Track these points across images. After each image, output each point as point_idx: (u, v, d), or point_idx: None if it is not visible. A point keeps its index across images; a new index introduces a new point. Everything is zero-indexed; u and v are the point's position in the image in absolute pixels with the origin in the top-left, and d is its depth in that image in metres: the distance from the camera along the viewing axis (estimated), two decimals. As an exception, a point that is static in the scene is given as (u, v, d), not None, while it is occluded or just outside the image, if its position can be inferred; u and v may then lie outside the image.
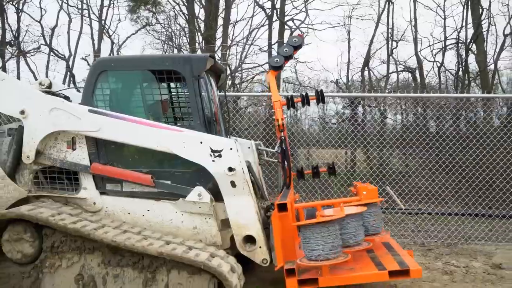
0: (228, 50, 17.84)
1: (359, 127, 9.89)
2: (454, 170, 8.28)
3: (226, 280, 4.07)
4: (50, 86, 5.02)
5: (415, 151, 8.72)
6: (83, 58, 22.68)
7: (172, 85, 5.00)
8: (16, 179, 4.78)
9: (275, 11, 19.31)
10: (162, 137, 4.55)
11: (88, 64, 22.56)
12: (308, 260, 4.21)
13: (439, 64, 20.90)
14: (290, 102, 5.47)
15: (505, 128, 7.94)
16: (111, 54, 22.49)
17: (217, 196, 4.58)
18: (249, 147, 5.62)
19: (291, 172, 5.30)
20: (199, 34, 18.62)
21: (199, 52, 17.18)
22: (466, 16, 19.43)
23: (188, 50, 18.38)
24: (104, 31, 21.93)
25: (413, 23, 20.69)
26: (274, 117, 5.22)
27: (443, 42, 20.82)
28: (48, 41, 21.48)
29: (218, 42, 17.61)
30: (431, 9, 22.62)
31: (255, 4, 19.92)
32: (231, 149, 4.49)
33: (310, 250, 4.18)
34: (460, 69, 20.34)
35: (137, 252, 4.17)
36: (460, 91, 18.38)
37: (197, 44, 18.15)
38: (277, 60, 5.33)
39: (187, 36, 19.59)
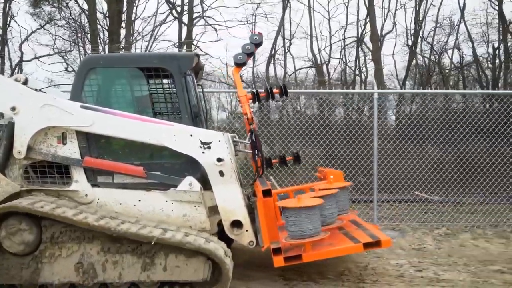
0: (132, 47, 17.84)
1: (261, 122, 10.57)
2: (337, 158, 9.22)
3: (222, 261, 4.46)
4: (26, 82, 5.09)
5: (311, 144, 9.49)
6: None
7: (159, 81, 5.24)
8: (5, 174, 4.85)
9: (174, 8, 19.84)
10: (154, 131, 4.82)
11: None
12: (292, 239, 4.73)
13: (340, 61, 23.25)
14: (256, 97, 5.89)
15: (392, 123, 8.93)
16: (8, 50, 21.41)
17: (204, 185, 4.93)
18: None
19: (264, 162, 5.75)
20: (102, 30, 18.56)
21: (101, 51, 17.10)
22: (358, 16, 21.88)
23: (90, 46, 18.06)
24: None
25: (307, 22, 22.61)
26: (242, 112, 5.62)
27: (338, 41, 23.27)
28: None
29: (122, 39, 17.52)
30: (316, 11, 24.10)
31: (164, 1, 20.13)
32: (219, 141, 4.86)
33: (294, 230, 4.68)
34: (347, 66, 23.04)
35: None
36: (347, 87, 20.49)
37: (100, 40, 18.00)
38: (240, 57, 5.67)
39: (88, 32, 19.19)
